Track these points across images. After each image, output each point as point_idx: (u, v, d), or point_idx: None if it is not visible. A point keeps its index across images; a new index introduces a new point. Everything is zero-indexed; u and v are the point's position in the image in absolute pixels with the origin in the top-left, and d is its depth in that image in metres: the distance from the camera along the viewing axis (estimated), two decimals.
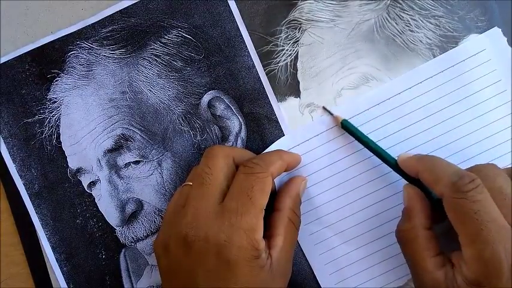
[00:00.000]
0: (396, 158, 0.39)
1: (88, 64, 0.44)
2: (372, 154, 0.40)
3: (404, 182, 0.39)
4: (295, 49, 0.42)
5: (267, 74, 0.42)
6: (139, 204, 0.44)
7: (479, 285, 0.32)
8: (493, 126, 0.41)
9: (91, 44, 0.44)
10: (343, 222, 0.42)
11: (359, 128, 0.40)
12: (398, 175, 0.39)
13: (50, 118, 0.44)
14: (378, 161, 0.41)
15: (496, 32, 0.41)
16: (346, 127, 0.40)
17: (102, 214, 0.44)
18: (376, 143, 0.40)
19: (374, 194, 0.41)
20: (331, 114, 0.41)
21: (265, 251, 0.36)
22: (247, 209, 0.35)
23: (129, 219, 0.44)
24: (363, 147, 0.41)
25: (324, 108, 0.41)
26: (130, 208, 0.44)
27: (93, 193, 0.45)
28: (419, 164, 0.37)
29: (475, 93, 0.41)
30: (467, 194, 0.32)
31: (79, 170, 0.44)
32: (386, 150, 0.39)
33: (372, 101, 0.41)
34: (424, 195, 0.37)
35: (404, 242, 0.37)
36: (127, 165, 0.43)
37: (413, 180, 0.38)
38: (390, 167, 0.39)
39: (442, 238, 0.35)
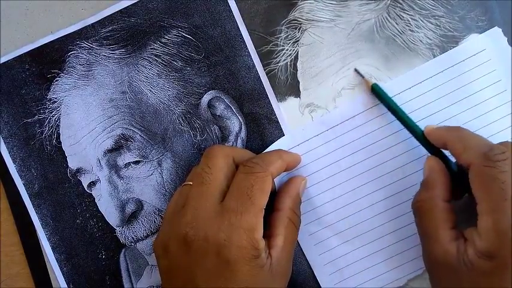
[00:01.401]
0: (423, 129, 0.39)
1: (88, 64, 0.44)
2: (374, 153, 0.41)
3: (407, 178, 0.39)
4: (295, 49, 0.42)
5: (267, 74, 0.42)
6: (139, 204, 0.44)
7: (491, 256, 0.31)
8: (493, 126, 0.41)
9: (91, 44, 0.44)
10: (343, 222, 0.42)
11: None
12: (398, 175, 0.39)
13: (50, 118, 0.44)
14: (378, 160, 0.41)
15: (496, 32, 0.41)
16: (376, 91, 0.40)
17: (102, 214, 0.44)
18: (407, 114, 0.40)
19: (374, 194, 0.41)
20: (362, 76, 0.41)
21: (265, 251, 0.36)
22: (246, 209, 0.35)
23: (129, 219, 0.44)
24: (362, 147, 0.41)
25: (355, 70, 0.41)
26: (130, 208, 0.44)
27: (93, 193, 0.45)
28: (449, 134, 0.37)
29: (475, 93, 0.40)
30: (497, 163, 0.32)
31: (79, 170, 0.44)
32: (414, 121, 0.39)
33: (372, 101, 0.41)
34: (445, 167, 0.37)
35: (420, 212, 0.36)
36: (127, 165, 0.43)
37: (436, 153, 0.38)
38: (416, 137, 0.39)
39: (457, 215, 0.35)
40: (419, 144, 0.40)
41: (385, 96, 0.40)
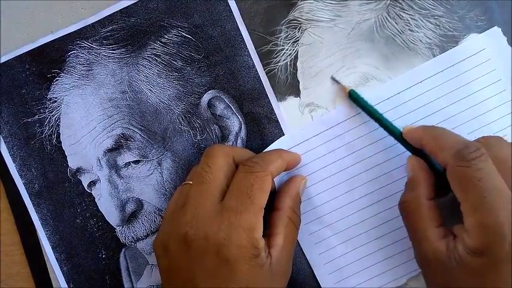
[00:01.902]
0: (401, 130, 0.39)
1: (88, 64, 0.44)
2: (374, 152, 0.41)
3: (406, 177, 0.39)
4: (295, 49, 0.42)
5: (267, 74, 0.42)
6: (140, 203, 0.44)
7: (481, 253, 0.31)
8: (493, 126, 0.41)
9: (91, 43, 0.44)
10: (343, 221, 0.42)
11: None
12: (397, 174, 0.39)
13: (50, 118, 0.44)
14: (378, 160, 0.41)
15: (496, 32, 0.41)
16: (353, 97, 0.40)
17: (102, 214, 0.44)
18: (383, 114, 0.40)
19: (374, 193, 0.41)
20: (339, 83, 0.41)
21: (265, 250, 0.36)
22: (246, 208, 0.35)
23: (129, 218, 0.44)
24: (362, 146, 0.41)
25: (332, 78, 0.41)
26: (130, 208, 0.44)
27: (93, 193, 0.45)
28: (425, 134, 0.37)
29: (474, 93, 0.41)
30: (471, 162, 0.32)
31: (79, 170, 0.44)
32: (392, 122, 0.39)
33: (372, 101, 0.41)
34: (427, 166, 0.37)
35: (407, 213, 0.37)
36: (127, 164, 0.43)
37: (417, 152, 0.38)
38: (395, 138, 0.39)
39: (444, 213, 0.35)
40: None
41: (362, 100, 0.40)
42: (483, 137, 0.35)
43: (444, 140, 0.35)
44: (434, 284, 0.36)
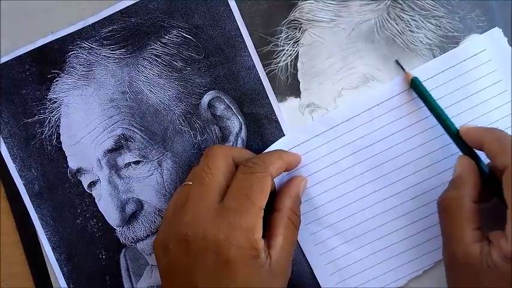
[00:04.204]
0: (458, 128, 0.39)
1: (88, 64, 0.44)
2: (374, 153, 0.41)
3: (407, 178, 0.39)
4: (296, 49, 0.42)
5: (267, 74, 0.42)
6: (140, 204, 0.44)
7: None
8: (493, 127, 0.40)
9: (91, 44, 0.44)
10: (344, 222, 0.42)
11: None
12: (398, 175, 0.39)
13: (50, 118, 0.44)
14: (378, 161, 0.41)
15: (497, 32, 0.41)
16: (415, 85, 0.40)
17: (102, 214, 0.44)
18: (443, 109, 0.39)
19: (374, 194, 0.41)
20: (403, 69, 0.40)
21: (265, 251, 0.36)
22: (246, 209, 0.35)
23: (129, 219, 0.44)
24: (363, 147, 0.41)
25: (396, 61, 0.40)
26: (130, 208, 0.44)
27: (93, 193, 0.45)
28: (486, 134, 0.37)
29: (475, 94, 0.40)
30: None
31: (79, 170, 0.44)
32: (450, 119, 0.39)
33: (372, 101, 0.41)
34: (477, 168, 0.37)
35: (446, 210, 0.36)
36: (127, 165, 0.43)
37: (469, 153, 0.38)
38: (451, 136, 0.39)
39: (483, 219, 0.35)
40: (420, 144, 0.40)
41: (424, 90, 0.40)
42: None
43: (508, 143, 0.35)
44: (457, 284, 0.36)
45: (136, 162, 0.43)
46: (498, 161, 0.35)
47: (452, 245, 0.35)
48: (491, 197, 0.36)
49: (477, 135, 0.37)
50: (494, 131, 0.37)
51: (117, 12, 0.44)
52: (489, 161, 0.37)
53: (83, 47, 0.44)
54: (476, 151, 0.38)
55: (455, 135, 0.39)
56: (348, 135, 0.41)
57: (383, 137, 0.41)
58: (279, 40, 0.42)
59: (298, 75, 0.42)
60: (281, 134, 0.43)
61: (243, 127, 0.43)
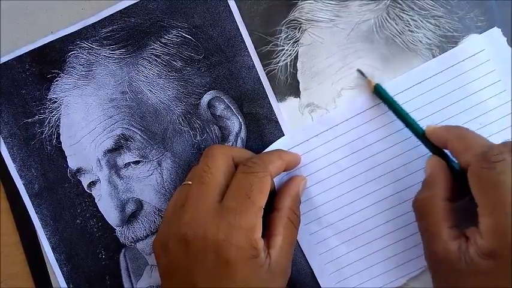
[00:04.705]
0: (424, 128, 0.39)
1: (88, 64, 0.44)
2: (373, 153, 0.41)
3: (407, 178, 0.39)
4: (295, 49, 0.42)
5: (266, 74, 0.42)
6: (139, 204, 0.44)
7: (493, 256, 0.32)
8: (493, 126, 0.41)
9: (91, 44, 0.44)
10: (343, 222, 0.42)
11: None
12: (398, 175, 0.39)
13: (50, 118, 0.44)
14: (378, 160, 0.41)
15: (496, 32, 0.41)
16: (378, 91, 0.40)
17: (102, 214, 0.45)
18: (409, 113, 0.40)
19: (374, 193, 0.41)
20: (365, 76, 0.41)
21: (264, 251, 0.36)
22: (246, 208, 0.35)
23: (129, 219, 0.44)
24: (362, 147, 0.41)
25: (358, 70, 0.41)
26: (130, 208, 0.44)
27: (93, 193, 0.45)
28: (449, 133, 0.37)
29: (474, 94, 0.41)
30: (494, 164, 0.32)
31: (79, 170, 0.44)
32: (415, 120, 0.40)
33: (372, 101, 0.41)
34: (447, 166, 0.37)
35: (421, 211, 0.36)
36: (127, 165, 0.43)
37: (437, 153, 0.38)
38: (417, 137, 0.39)
39: (458, 217, 0.35)
40: (418, 144, 0.40)
41: (387, 96, 0.40)
42: (506, 141, 0.35)
43: (469, 140, 0.35)
44: (442, 284, 0.36)
45: (136, 162, 0.43)
46: (461, 159, 0.35)
47: (431, 244, 0.35)
48: (466, 194, 0.36)
49: (441, 135, 0.38)
50: (457, 129, 0.37)
51: (117, 12, 0.44)
52: None
53: (83, 47, 0.44)
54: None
55: (421, 135, 0.39)
56: (347, 135, 0.41)
57: (382, 137, 0.41)
58: (279, 40, 0.42)
59: (297, 75, 0.42)
60: (281, 134, 0.43)
61: (242, 127, 0.43)
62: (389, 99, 0.40)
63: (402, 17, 0.41)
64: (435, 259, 0.35)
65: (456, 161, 0.37)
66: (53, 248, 0.45)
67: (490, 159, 0.33)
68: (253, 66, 0.43)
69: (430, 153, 0.39)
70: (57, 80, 0.44)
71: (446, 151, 0.38)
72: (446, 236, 0.34)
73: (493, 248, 0.32)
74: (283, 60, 0.42)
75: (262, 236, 0.36)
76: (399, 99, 0.41)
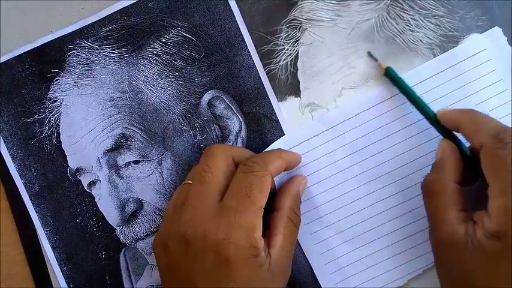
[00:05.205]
0: (435, 112, 0.39)
1: (88, 63, 0.44)
2: (374, 153, 0.41)
3: (408, 177, 0.39)
4: (296, 48, 0.42)
5: (267, 74, 0.42)
6: (140, 203, 0.44)
7: (499, 237, 0.31)
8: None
9: (91, 43, 0.44)
10: (344, 221, 0.42)
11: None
12: (398, 174, 0.39)
13: (50, 117, 0.44)
14: (379, 160, 0.41)
15: (497, 32, 0.41)
16: (389, 74, 0.40)
17: (102, 214, 0.44)
18: (419, 97, 0.40)
19: (375, 193, 0.41)
20: (376, 60, 0.41)
21: (264, 250, 0.36)
22: (246, 208, 0.35)
23: (129, 218, 0.44)
24: (363, 146, 0.41)
25: (369, 53, 0.41)
26: (130, 208, 0.44)
27: (93, 193, 0.44)
28: (462, 115, 0.37)
29: (475, 93, 0.40)
30: (508, 145, 0.32)
31: (79, 170, 0.44)
32: (427, 104, 0.39)
33: (373, 100, 0.41)
34: (458, 150, 0.37)
35: (430, 193, 0.36)
36: (127, 164, 0.43)
37: (448, 136, 0.38)
38: (428, 120, 0.39)
39: (466, 201, 0.35)
40: (419, 143, 0.40)
41: (399, 79, 0.40)
42: None
43: (482, 122, 0.36)
44: (446, 268, 0.36)
45: (136, 162, 0.43)
46: (474, 141, 0.35)
47: (438, 226, 0.35)
48: (475, 180, 0.36)
49: (453, 117, 0.38)
50: (469, 112, 0.38)
51: (116, 11, 0.44)
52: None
53: (82, 46, 0.44)
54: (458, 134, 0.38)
55: (432, 119, 0.39)
56: (348, 134, 0.41)
57: (383, 136, 0.41)
58: (279, 39, 0.42)
59: (298, 74, 0.42)
60: (281, 134, 0.43)
61: (243, 126, 0.43)
62: (400, 82, 0.40)
63: (403, 16, 0.41)
64: (440, 241, 0.35)
65: (467, 146, 0.37)
66: (53, 248, 0.45)
67: (504, 140, 0.33)
68: (254, 65, 0.43)
69: (434, 151, 0.38)
70: (57, 80, 0.44)
71: (457, 135, 0.38)
72: (454, 219, 0.34)
73: (501, 228, 0.31)
74: (284, 60, 0.42)
75: (263, 236, 0.36)
76: (400, 99, 0.41)
